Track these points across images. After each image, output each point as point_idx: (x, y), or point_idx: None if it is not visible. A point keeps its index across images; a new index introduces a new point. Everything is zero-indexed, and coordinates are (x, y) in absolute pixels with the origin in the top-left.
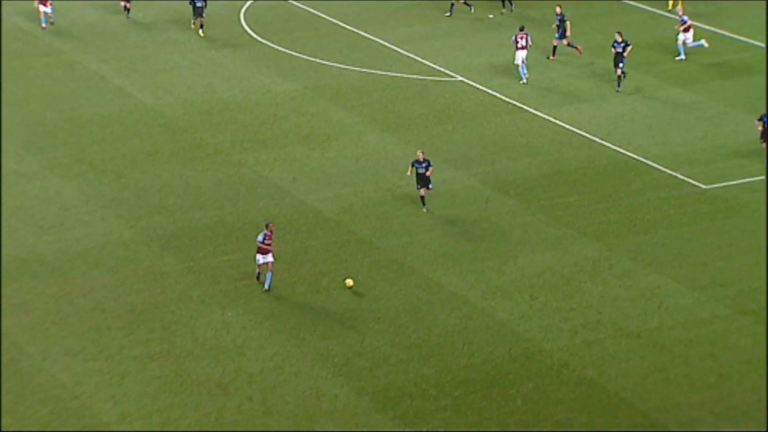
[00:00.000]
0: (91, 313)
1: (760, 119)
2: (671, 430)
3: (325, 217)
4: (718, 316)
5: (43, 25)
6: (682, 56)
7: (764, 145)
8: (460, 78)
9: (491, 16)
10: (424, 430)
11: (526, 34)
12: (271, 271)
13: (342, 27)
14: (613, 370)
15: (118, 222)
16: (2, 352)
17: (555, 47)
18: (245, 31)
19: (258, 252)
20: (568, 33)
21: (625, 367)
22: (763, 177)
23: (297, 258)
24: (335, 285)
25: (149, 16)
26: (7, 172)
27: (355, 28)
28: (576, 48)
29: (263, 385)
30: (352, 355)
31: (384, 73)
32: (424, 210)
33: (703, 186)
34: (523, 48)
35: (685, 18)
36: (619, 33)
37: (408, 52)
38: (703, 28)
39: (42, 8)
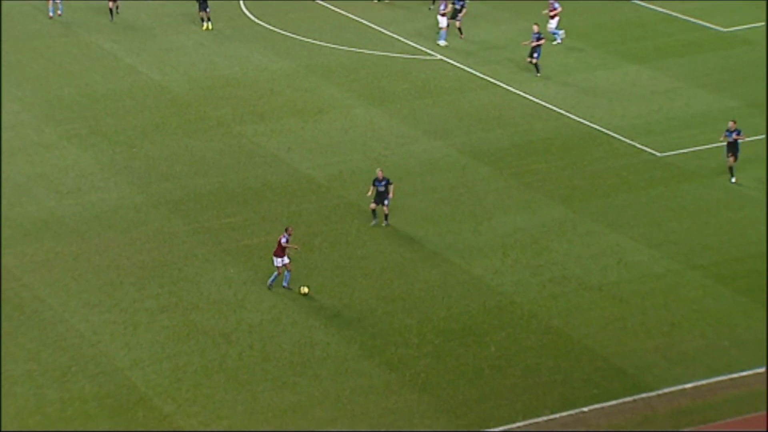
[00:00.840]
0: (106, 269)
1: (725, 135)
2: (628, 372)
3: (317, 183)
4: (670, 271)
5: (51, 14)
6: (559, 41)
7: (731, 158)
8: (440, 56)
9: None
10: (408, 373)
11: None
12: (290, 270)
13: (332, 10)
14: (577, 320)
15: (130, 188)
16: (26, 305)
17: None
18: (244, 13)
19: (275, 255)
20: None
21: (587, 317)
22: (710, 146)
23: (292, 220)
24: (327, 244)
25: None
26: (29, 142)
27: (345, 11)
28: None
29: (262, 335)
30: (342, 308)
31: (370, 52)
32: (372, 224)
33: (658, 154)
34: (443, 14)
35: (557, 5)
36: (536, 24)
37: (392, 33)
38: (656, 10)
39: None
